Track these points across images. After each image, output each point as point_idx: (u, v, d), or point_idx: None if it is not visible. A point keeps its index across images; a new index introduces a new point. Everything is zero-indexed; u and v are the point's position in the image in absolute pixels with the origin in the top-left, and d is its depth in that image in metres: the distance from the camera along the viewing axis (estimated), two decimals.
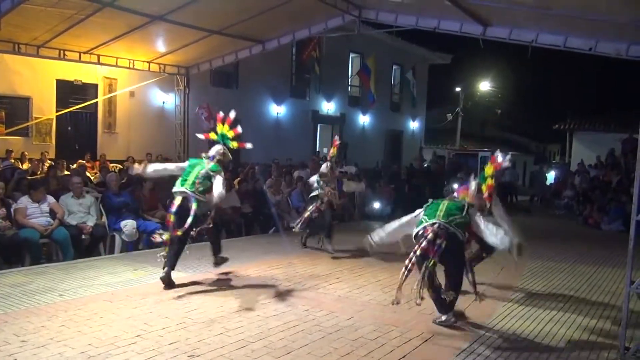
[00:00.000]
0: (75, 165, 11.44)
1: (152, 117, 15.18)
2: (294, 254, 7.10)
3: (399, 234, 4.83)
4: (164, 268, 5.33)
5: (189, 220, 5.25)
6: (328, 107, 21.45)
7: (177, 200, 5.35)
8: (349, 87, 22.93)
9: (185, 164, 5.73)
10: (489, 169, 5.25)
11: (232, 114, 5.81)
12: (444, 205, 4.57)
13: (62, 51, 11.02)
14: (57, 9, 8.70)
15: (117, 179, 8.19)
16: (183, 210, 5.30)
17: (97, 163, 12.92)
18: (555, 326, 4.61)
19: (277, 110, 19.23)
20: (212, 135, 5.92)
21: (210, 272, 6.07)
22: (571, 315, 4.97)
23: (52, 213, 6.82)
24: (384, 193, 13.09)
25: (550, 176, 21.32)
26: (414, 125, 26.48)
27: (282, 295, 5.22)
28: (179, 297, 5.01)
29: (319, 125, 21.57)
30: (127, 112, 14.73)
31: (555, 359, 3.85)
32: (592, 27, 7.83)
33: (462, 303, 4.89)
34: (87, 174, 11.02)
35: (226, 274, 6.02)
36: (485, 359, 3.79)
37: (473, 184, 5.00)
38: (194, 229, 5.44)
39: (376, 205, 12.48)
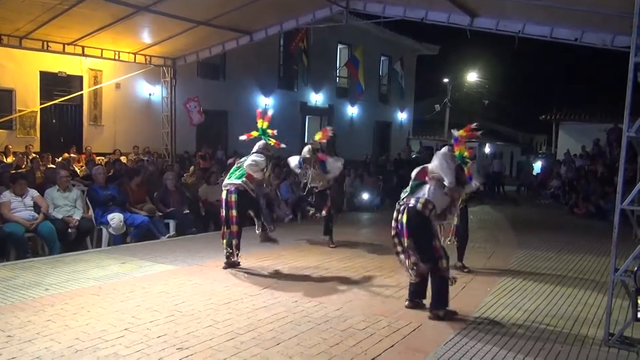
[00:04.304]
0: (60, 159, 11.31)
1: (138, 109, 15.04)
2: (282, 246, 7.09)
3: None
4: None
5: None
6: (316, 98, 21.39)
7: (223, 194, 5.88)
8: (337, 78, 22.88)
9: None
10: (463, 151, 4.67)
11: (270, 112, 6.41)
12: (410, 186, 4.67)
13: (45, 42, 10.83)
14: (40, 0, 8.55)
15: (103, 171, 8.11)
16: (226, 202, 5.82)
17: (83, 156, 12.79)
18: (541, 314, 4.68)
19: (265, 101, 19.14)
20: (254, 133, 6.31)
21: (200, 265, 6.07)
22: (557, 303, 5.04)
23: (37, 207, 6.74)
24: (369, 184, 13.14)
25: (537, 166, 21.57)
26: (402, 116, 26.52)
27: (271, 286, 5.22)
28: (167, 290, 4.99)
29: (307, 116, 21.51)
30: (113, 104, 14.57)
31: (542, 347, 3.90)
32: (578, 17, 7.89)
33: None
34: (73, 167, 10.91)
35: (215, 266, 6.02)
36: (472, 348, 3.82)
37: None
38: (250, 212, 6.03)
39: (365, 196, 12.52)
